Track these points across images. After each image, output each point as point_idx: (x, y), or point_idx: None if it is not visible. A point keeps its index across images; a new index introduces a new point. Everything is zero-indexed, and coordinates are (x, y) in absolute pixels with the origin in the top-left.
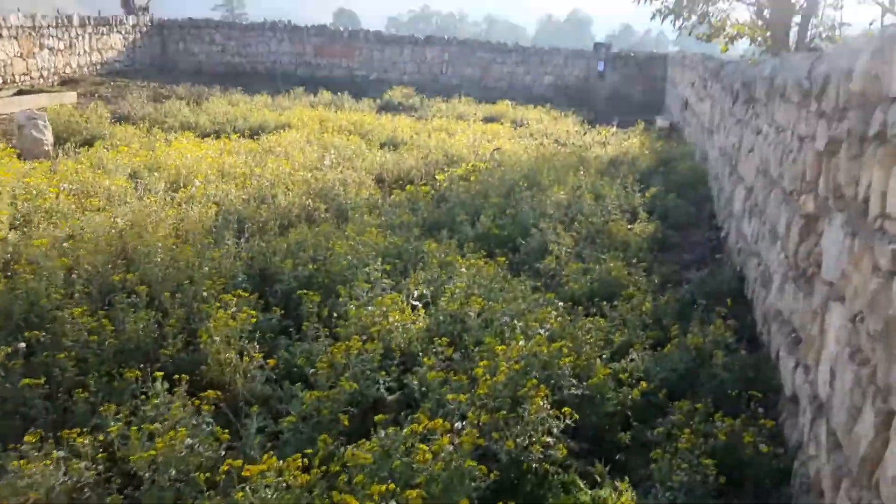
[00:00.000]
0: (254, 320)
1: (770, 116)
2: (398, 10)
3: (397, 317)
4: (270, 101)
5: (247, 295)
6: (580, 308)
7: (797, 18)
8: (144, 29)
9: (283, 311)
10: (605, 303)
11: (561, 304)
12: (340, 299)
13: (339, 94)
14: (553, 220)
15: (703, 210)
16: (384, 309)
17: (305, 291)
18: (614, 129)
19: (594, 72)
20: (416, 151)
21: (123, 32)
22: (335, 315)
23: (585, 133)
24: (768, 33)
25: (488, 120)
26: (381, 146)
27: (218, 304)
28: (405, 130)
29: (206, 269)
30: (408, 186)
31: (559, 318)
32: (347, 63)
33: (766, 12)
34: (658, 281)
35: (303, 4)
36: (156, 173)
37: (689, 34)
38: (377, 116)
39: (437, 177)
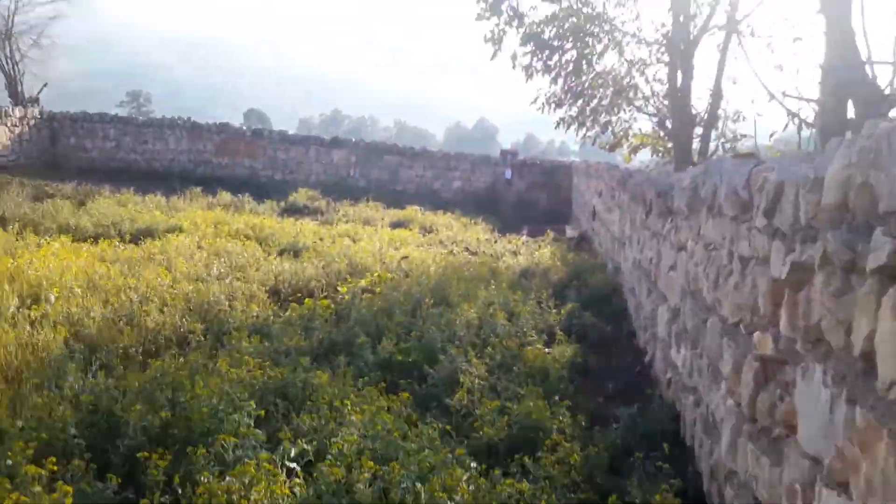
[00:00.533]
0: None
1: (695, 231)
2: (309, 113)
3: (263, 490)
4: (164, 202)
5: (80, 459)
6: (496, 471)
7: (698, 130)
8: (33, 121)
9: (122, 480)
10: (527, 458)
11: (474, 464)
12: (194, 462)
13: (239, 195)
14: (464, 343)
15: (621, 327)
16: (247, 479)
17: (150, 451)
18: (524, 237)
19: (501, 179)
20: (319, 259)
21: (9, 124)
22: (188, 483)
23: (496, 241)
24: (670, 144)
25: (396, 225)
26: (281, 253)
27: (28, 473)
28: (308, 235)
29: (22, 422)
30: (306, 300)
31: (472, 485)
32: (251, 163)
33: (667, 122)
34: (584, 422)
35: (213, 104)
36: (7, 286)
37: (593, 143)
38: (279, 220)
39: (339, 288)
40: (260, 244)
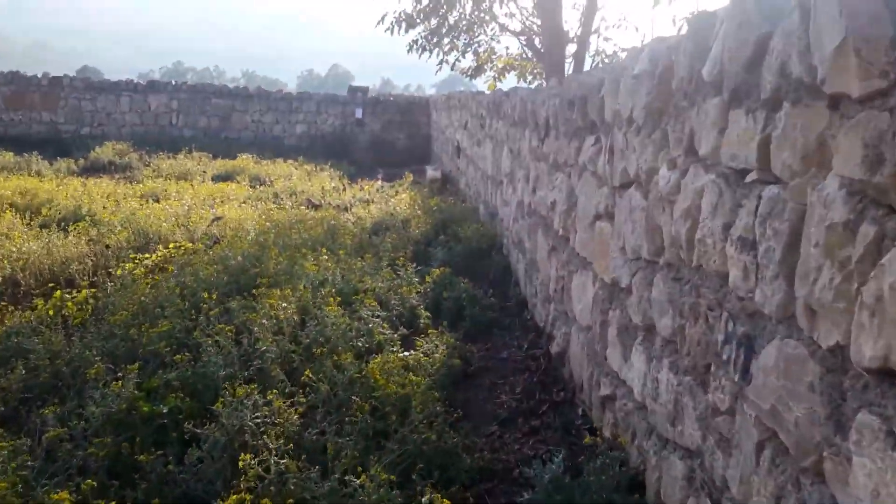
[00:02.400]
0: None
1: (679, 150)
2: (149, 67)
3: None
4: None
5: None
6: None
7: (572, 48)
8: None
9: None
10: None
11: None
12: None
13: (29, 154)
14: (268, 365)
15: (508, 295)
16: None
17: None
18: (379, 183)
19: (351, 120)
20: (97, 230)
21: None
22: None
23: (345, 189)
24: (540, 66)
25: (222, 178)
26: (44, 227)
27: None
28: (98, 199)
29: None
30: (56, 292)
31: None
32: (50, 117)
33: (536, 41)
34: None
35: (42, 63)
36: None
37: (452, 69)
38: (67, 182)
39: (115, 271)
40: (23, 215)
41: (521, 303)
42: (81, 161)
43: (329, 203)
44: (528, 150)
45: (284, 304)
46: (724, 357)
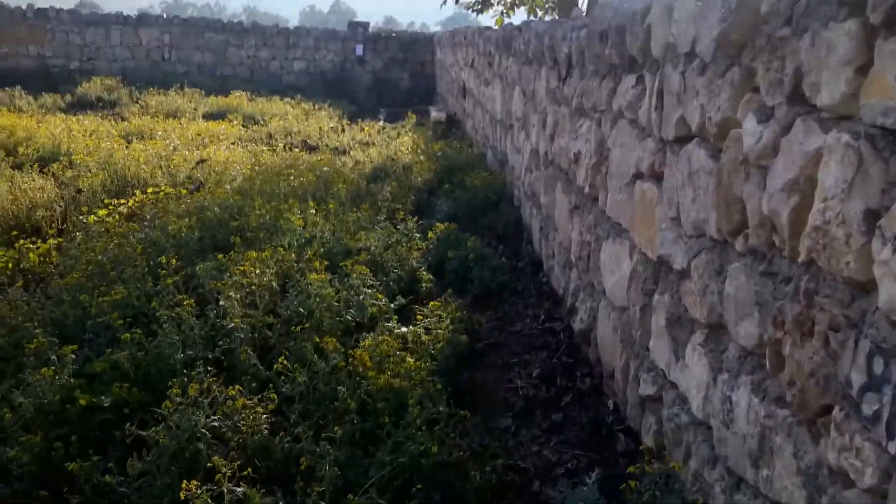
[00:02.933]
0: None
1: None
2: (149, 3)
3: None
4: None
5: None
6: None
7: None
8: None
9: None
10: None
11: None
12: None
13: (14, 88)
14: (238, 346)
15: (520, 255)
16: None
17: None
18: (381, 123)
19: (352, 56)
20: (72, 173)
21: None
22: None
23: (343, 130)
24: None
25: (214, 117)
26: (17, 167)
27: None
28: (81, 138)
29: None
30: (18, 242)
31: None
32: (38, 50)
33: None
34: None
35: None
36: None
37: (457, 2)
38: (50, 118)
39: (87, 219)
40: (5, 153)
41: (535, 263)
42: (68, 97)
43: (326, 145)
44: (544, 91)
45: (259, 270)
46: (864, 409)
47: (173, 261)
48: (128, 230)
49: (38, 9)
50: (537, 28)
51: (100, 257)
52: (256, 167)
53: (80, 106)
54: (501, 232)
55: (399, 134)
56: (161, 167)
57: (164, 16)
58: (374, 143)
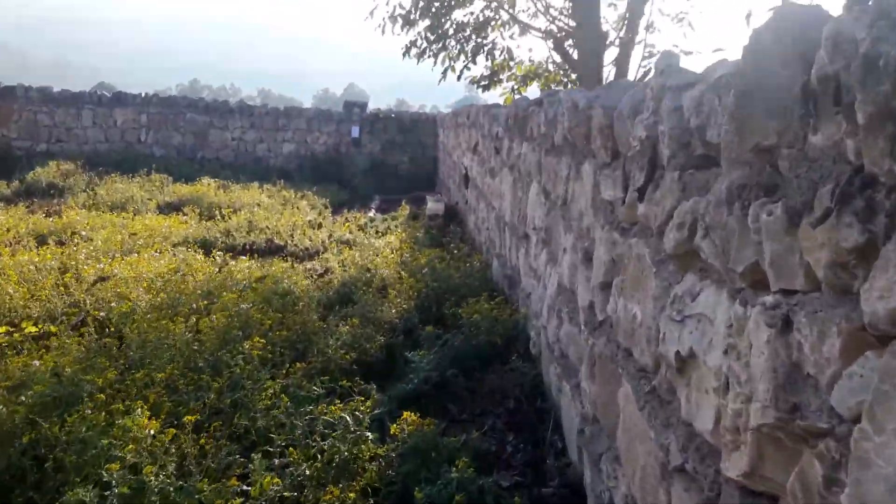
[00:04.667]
0: None
1: None
2: (166, 85)
3: None
4: None
5: None
6: None
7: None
8: None
9: None
10: None
11: None
12: None
13: None
14: None
15: (542, 457)
16: None
17: None
18: (371, 214)
19: (347, 139)
20: None
21: None
22: None
23: (320, 226)
24: (572, 76)
25: (172, 208)
26: None
27: None
28: None
29: None
30: None
31: None
32: (3, 131)
33: (567, 44)
34: None
35: (62, 80)
36: None
37: (459, 78)
38: None
39: None
40: None
41: (569, 481)
42: (16, 184)
43: (296, 245)
44: (588, 202)
45: None
46: None
47: None
48: None
49: (5, 86)
50: (574, 99)
51: None
52: (163, 294)
53: (28, 194)
54: (513, 406)
55: (388, 229)
56: (44, 288)
57: (143, 94)
58: (354, 242)
